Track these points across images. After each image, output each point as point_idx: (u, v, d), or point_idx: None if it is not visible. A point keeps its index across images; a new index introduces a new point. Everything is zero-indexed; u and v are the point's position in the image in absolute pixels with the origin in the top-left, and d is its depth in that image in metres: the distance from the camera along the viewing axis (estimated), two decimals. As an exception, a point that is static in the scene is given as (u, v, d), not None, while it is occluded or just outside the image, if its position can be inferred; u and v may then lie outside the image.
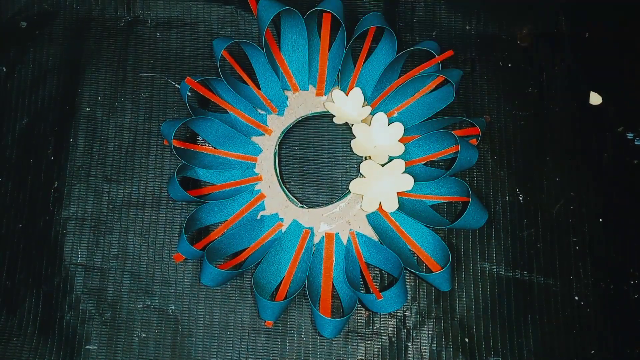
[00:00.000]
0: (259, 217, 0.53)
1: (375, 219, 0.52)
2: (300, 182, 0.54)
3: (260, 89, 0.55)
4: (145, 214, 0.53)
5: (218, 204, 0.52)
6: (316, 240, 0.52)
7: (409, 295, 0.51)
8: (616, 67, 0.54)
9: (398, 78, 0.54)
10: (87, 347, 0.51)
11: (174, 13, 0.57)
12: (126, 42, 0.57)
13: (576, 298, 0.51)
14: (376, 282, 0.51)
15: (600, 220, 0.52)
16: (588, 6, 0.56)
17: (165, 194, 0.54)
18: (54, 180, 0.54)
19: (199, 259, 0.52)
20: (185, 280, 0.52)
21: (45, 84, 0.57)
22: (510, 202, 0.52)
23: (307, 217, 0.52)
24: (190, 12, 0.57)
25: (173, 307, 0.52)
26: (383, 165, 0.52)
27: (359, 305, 0.51)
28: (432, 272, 0.49)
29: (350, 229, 0.52)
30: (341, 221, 0.52)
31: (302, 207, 0.53)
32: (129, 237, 0.53)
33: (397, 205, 0.51)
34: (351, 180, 0.52)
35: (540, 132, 0.54)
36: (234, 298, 0.52)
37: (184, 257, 0.51)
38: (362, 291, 0.51)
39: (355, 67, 0.55)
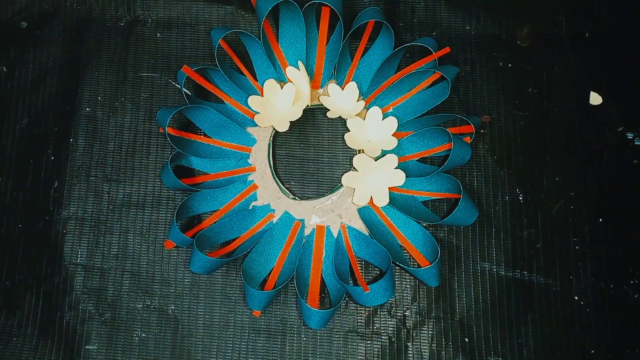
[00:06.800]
0: (250, 208, 0.53)
1: (366, 213, 0.52)
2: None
3: (257, 80, 0.55)
4: (145, 214, 0.54)
5: (210, 193, 0.52)
6: (307, 232, 0.52)
7: (409, 295, 0.51)
8: (616, 67, 0.54)
9: (395, 74, 0.54)
10: (87, 347, 0.51)
11: (174, 13, 0.57)
12: (126, 42, 0.57)
13: (576, 298, 0.51)
14: (367, 276, 0.52)
15: (600, 220, 0.52)
16: (588, 6, 0.56)
17: (166, 193, 0.54)
18: (54, 180, 0.55)
19: (189, 246, 0.52)
20: (185, 280, 0.52)
21: (46, 84, 0.57)
22: (510, 202, 0.52)
23: (299, 209, 0.53)
24: (191, 12, 0.57)
25: (173, 307, 0.52)
26: (376, 159, 0.52)
27: (348, 299, 0.51)
28: (420, 267, 0.49)
29: (342, 222, 0.52)
30: (332, 214, 0.52)
31: (294, 198, 0.53)
32: (129, 237, 0.53)
33: (387, 200, 0.51)
34: (344, 174, 0.52)
35: (540, 132, 0.54)
36: (234, 298, 0.52)
37: (175, 244, 0.51)
38: (351, 284, 0.51)
39: (352, 61, 0.55)
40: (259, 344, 0.51)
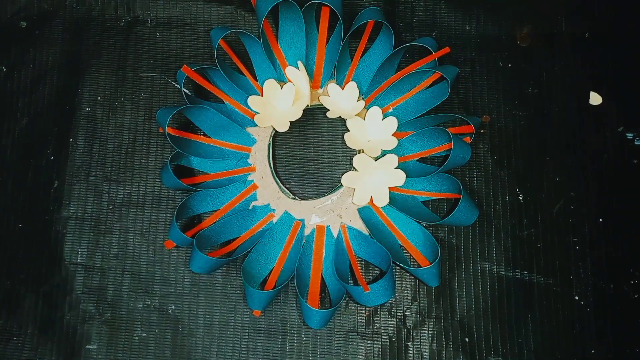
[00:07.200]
0: (250, 207, 0.53)
1: (366, 212, 0.52)
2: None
3: (256, 80, 0.55)
4: (145, 213, 0.54)
5: (210, 193, 0.52)
6: (307, 232, 0.52)
7: (409, 294, 0.51)
8: (616, 67, 0.54)
9: (395, 74, 0.54)
10: (87, 346, 0.51)
11: (173, 13, 0.57)
12: (126, 42, 0.57)
13: (576, 298, 0.51)
14: (367, 275, 0.52)
15: (600, 220, 0.52)
16: (588, 6, 0.56)
17: (166, 193, 0.54)
18: (54, 180, 0.55)
19: (189, 245, 0.52)
20: (186, 280, 0.52)
21: (45, 84, 0.57)
22: (510, 202, 0.52)
23: (299, 208, 0.53)
24: (190, 12, 0.57)
25: (173, 307, 0.52)
26: (376, 159, 0.52)
27: (349, 299, 0.51)
28: (421, 267, 0.49)
29: (342, 222, 0.52)
30: (332, 214, 0.53)
31: (294, 198, 0.53)
32: (129, 237, 0.53)
33: (387, 200, 0.51)
34: (344, 174, 0.52)
35: (540, 132, 0.54)
36: (234, 298, 0.52)
37: (175, 244, 0.51)
38: (351, 284, 0.51)
39: (352, 61, 0.55)
40: (259, 344, 0.51)
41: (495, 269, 0.51)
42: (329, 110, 0.53)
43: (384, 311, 0.51)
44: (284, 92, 0.53)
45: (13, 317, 0.52)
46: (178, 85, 0.56)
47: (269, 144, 0.54)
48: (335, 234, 0.52)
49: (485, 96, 0.55)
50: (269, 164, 0.54)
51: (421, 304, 0.51)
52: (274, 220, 0.53)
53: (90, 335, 0.51)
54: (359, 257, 0.52)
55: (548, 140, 0.53)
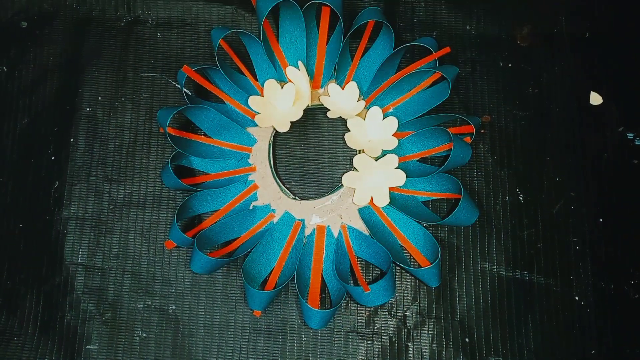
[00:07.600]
0: (251, 208, 0.53)
1: (366, 213, 0.52)
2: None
3: (257, 80, 0.55)
4: (146, 213, 0.54)
5: (211, 193, 0.52)
6: (307, 232, 0.52)
7: (409, 295, 0.51)
8: (616, 67, 0.54)
9: (395, 74, 0.54)
10: (87, 347, 0.51)
11: (174, 13, 0.57)
12: (126, 42, 0.57)
13: (576, 298, 0.51)
14: (367, 276, 0.52)
15: (600, 220, 0.52)
16: (588, 6, 0.56)
17: (166, 193, 0.54)
18: (55, 180, 0.55)
19: (190, 246, 0.52)
20: (186, 280, 0.52)
21: (46, 84, 0.57)
22: (510, 202, 0.53)
23: (299, 208, 0.53)
24: (191, 12, 0.57)
25: (174, 307, 0.52)
26: (376, 159, 0.52)
27: (349, 299, 0.51)
28: (421, 267, 0.50)
29: (342, 222, 0.52)
30: (333, 214, 0.53)
31: (294, 198, 0.53)
32: (130, 237, 0.53)
33: (388, 200, 0.51)
34: (344, 174, 0.52)
35: (540, 132, 0.54)
36: (234, 298, 0.52)
37: (176, 244, 0.51)
38: (351, 284, 0.51)
39: (352, 61, 0.55)
40: (259, 344, 0.51)
41: (495, 269, 0.51)
42: (329, 110, 0.53)
43: (384, 311, 0.51)
44: (284, 92, 0.53)
45: (13, 317, 0.52)
46: (179, 85, 0.56)
47: (270, 144, 0.54)
48: (335, 234, 0.52)
49: (485, 96, 0.55)
50: (270, 164, 0.54)
51: (421, 304, 0.51)
52: (275, 220, 0.53)
53: (90, 336, 0.51)
54: (359, 257, 0.52)
55: (548, 140, 0.54)
